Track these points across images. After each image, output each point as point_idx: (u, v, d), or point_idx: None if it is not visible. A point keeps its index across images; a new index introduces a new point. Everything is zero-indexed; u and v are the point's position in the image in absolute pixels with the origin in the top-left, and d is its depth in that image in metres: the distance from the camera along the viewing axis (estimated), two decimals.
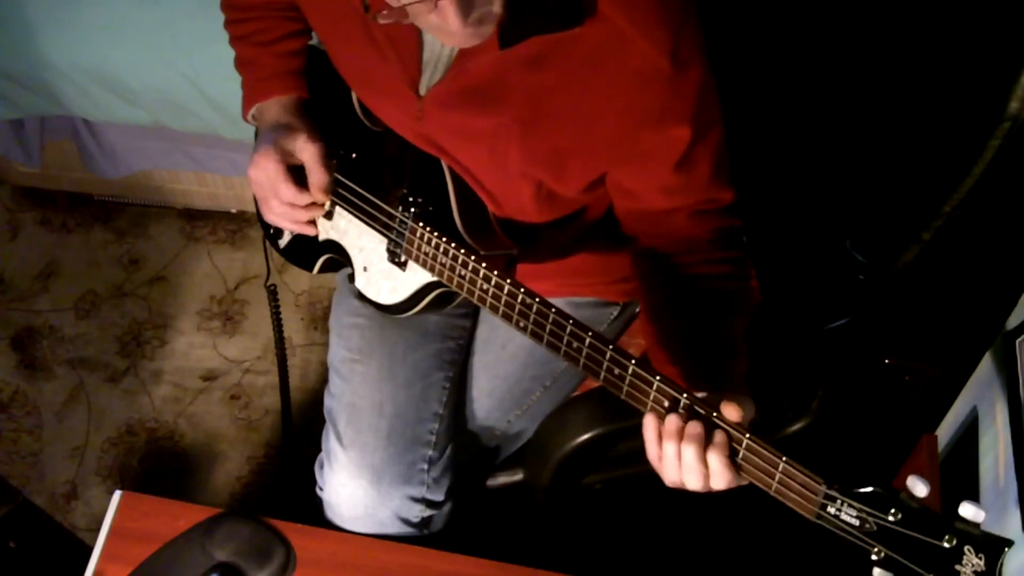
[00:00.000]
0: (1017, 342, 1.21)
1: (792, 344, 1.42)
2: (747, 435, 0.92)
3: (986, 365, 1.31)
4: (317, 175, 1.24)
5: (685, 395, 0.95)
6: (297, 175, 1.25)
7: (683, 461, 0.94)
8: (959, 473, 1.28)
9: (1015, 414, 1.16)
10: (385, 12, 0.96)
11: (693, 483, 0.96)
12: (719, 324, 1.11)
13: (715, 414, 0.94)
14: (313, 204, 1.27)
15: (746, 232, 1.18)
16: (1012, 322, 1.25)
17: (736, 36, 1.34)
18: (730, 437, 0.93)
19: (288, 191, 1.24)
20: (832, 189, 1.42)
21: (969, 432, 1.31)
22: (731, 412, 0.93)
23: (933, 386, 1.48)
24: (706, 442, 0.94)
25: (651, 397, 0.97)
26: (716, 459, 0.93)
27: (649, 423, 0.98)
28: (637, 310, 1.48)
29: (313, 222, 1.31)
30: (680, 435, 0.94)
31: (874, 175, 1.37)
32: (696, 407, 0.95)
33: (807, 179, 1.43)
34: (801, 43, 1.37)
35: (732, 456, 0.93)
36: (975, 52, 1.20)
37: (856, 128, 1.37)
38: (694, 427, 0.94)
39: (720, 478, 0.94)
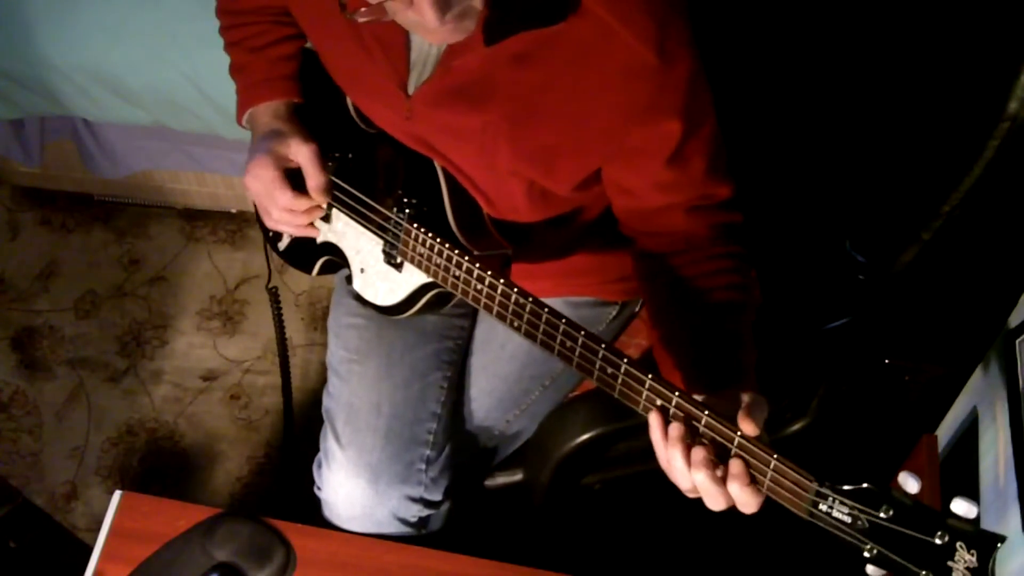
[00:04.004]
0: (1017, 342, 1.21)
1: (792, 344, 1.42)
2: (738, 433, 0.91)
3: (986, 365, 1.31)
4: (315, 177, 1.23)
5: (677, 393, 0.95)
6: (294, 180, 1.25)
7: (700, 488, 0.93)
8: (959, 473, 1.28)
9: (1015, 414, 1.16)
10: (364, 10, 0.95)
11: (715, 506, 0.94)
12: (726, 320, 1.10)
13: (705, 412, 0.93)
14: (312, 207, 1.27)
15: (746, 232, 1.18)
16: (1012, 322, 1.25)
17: (736, 36, 1.34)
18: (722, 437, 0.92)
19: (286, 197, 1.24)
20: (832, 189, 1.42)
21: (969, 432, 1.30)
22: (747, 427, 0.91)
23: (933, 386, 1.48)
24: (714, 461, 0.92)
25: (643, 396, 0.97)
26: (734, 486, 0.92)
27: (654, 423, 0.96)
28: (636, 309, 1.48)
29: (312, 225, 1.31)
30: (683, 442, 0.93)
31: (874, 175, 1.37)
32: (686, 407, 0.94)
33: (807, 179, 1.43)
34: (801, 43, 1.37)
35: (722, 455, 0.92)
36: (975, 52, 1.19)
37: (856, 128, 1.37)
38: (699, 453, 0.92)
39: (748, 507, 0.93)
